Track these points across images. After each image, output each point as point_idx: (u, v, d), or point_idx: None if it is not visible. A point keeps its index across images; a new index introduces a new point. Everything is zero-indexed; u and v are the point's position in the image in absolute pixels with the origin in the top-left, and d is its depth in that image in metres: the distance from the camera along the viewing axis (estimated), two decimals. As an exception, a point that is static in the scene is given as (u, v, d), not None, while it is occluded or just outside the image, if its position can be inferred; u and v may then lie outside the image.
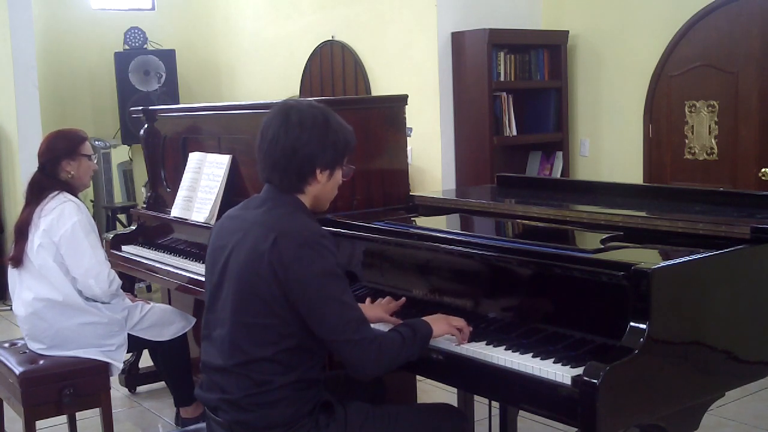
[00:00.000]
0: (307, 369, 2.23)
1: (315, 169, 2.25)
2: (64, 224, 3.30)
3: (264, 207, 2.27)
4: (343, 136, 2.30)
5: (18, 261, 3.37)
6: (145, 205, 4.48)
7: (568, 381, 1.98)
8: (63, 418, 3.68)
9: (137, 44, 7.49)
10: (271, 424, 2.21)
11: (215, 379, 2.28)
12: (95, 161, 3.58)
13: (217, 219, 3.63)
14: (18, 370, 3.25)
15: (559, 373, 2.02)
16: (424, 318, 2.34)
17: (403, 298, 2.61)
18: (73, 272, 3.34)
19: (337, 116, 2.32)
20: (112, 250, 4.24)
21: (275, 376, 2.19)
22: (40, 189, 3.41)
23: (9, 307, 6.02)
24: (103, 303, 3.44)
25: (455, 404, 3.01)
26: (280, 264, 2.14)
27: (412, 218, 3.11)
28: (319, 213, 2.53)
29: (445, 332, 2.32)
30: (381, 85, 6.03)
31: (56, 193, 3.38)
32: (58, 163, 3.43)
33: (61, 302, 3.32)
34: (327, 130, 2.25)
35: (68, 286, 3.34)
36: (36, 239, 3.32)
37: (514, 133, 5.54)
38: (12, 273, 3.44)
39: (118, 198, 7.49)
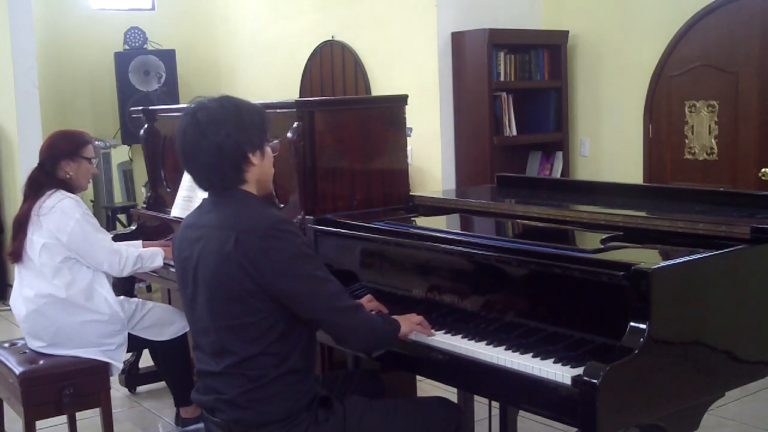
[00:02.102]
0: (297, 358, 2.24)
1: (247, 154, 2.25)
2: (68, 222, 3.32)
3: (216, 210, 2.27)
4: (256, 114, 2.30)
5: (17, 256, 3.38)
6: (145, 205, 4.48)
7: (568, 381, 1.98)
8: (63, 418, 3.68)
9: (137, 44, 7.50)
10: (269, 420, 2.22)
11: (210, 383, 2.29)
12: (95, 165, 3.58)
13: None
14: (18, 370, 3.25)
15: (559, 373, 2.02)
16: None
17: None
18: (91, 266, 3.39)
19: (243, 100, 2.33)
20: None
21: (269, 368, 2.21)
22: (38, 185, 3.42)
23: (9, 308, 6.02)
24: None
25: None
26: (247, 260, 2.14)
27: (412, 218, 3.11)
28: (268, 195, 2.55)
29: (410, 331, 2.39)
30: (381, 85, 6.03)
31: (53, 191, 3.39)
32: (58, 163, 3.44)
33: (64, 299, 3.33)
34: (240, 115, 2.26)
35: (70, 285, 3.34)
36: (38, 238, 3.33)
37: (514, 133, 5.54)
38: (15, 273, 3.46)
39: (118, 198, 7.50)
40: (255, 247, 2.14)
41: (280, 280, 2.15)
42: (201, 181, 2.30)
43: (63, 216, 3.32)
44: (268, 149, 2.34)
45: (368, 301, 2.60)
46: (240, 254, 2.14)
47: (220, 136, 2.20)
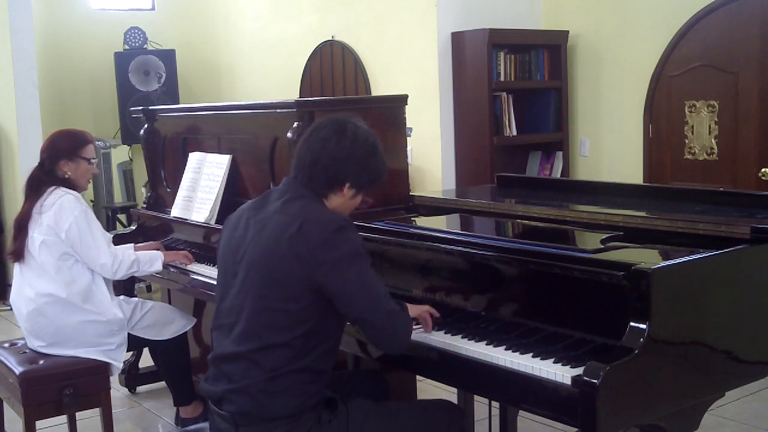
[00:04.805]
0: (316, 358, 2.25)
1: (345, 182, 2.32)
2: (67, 219, 3.32)
3: (284, 198, 2.32)
4: (381, 166, 2.39)
5: (18, 255, 3.39)
6: (145, 205, 4.48)
7: (568, 381, 1.98)
8: (63, 418, 3.68)
9: (137, 44, 7.49)
10: (275, 415, 2.22)
11: (224, 369, 2.29)
12: (95, 165, 3.58)
13: (217, 219, 3.64)
14: (18, 370, 3.25)
15: (559, 373, 2.02)
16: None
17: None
18: (86, 264, 3.39)
19: (382, 152, 2.39)
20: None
21: (284, 362, 2.22)
22: (38, 184, 3.43)
23: (9, 308, 6.02)
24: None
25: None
26: (307, 248, 2.18)
27: (412, 218, 3.11)
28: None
29: (416, 315, 2.43)
30: (381, 85, 6.03)
31: (53, 188, 3.40)
32: (57, 162, 3.45)
33: (65, 298, 3.33)
34: (373, 155, 2.34)
35: (70, 284, 3.34)
36: (38, 236, 3.33)
37: (514, 133, 5.54)
38: (15, 271, 3.46)
39: (118, 198, 7.50)
40: (319, 237, 2.18)
41: (335, 273, 2.18)
42: (295, 167, 2.36)
43: (62, 212, 3.33)
44: (360, 196, 2.40)
45: None
46: (300, 241, 2.18)
47: (341, 152, 2.29)
